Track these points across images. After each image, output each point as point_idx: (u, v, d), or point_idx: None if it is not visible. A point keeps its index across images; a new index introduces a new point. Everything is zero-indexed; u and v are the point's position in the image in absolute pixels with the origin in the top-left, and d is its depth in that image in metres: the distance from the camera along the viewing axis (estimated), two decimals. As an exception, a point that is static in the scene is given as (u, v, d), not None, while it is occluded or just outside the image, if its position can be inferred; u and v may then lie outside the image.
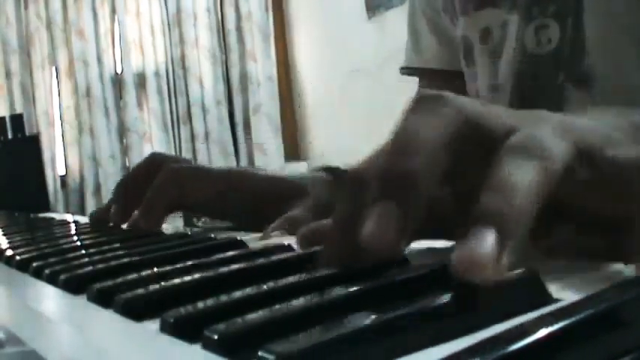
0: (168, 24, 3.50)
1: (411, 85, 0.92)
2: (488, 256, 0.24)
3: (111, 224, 0.65)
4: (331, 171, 0.67)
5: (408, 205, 0.27)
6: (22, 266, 0.45)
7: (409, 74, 0.87)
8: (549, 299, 0.25)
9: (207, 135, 3.51)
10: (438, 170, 0.29)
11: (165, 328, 0.26)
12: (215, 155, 3.50)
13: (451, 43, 0.78)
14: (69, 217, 0.94)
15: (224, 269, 0.34)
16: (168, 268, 0.37)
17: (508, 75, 0.65)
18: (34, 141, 3.08)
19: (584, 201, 0.31)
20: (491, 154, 0.28)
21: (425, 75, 0.86)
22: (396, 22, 2.76)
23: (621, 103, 0.58)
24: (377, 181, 0.29)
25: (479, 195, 0.26)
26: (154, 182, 0.59)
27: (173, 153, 3.46)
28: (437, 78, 0.84)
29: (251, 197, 0.60)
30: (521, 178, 0.27)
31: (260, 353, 0.20)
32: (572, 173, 0.29)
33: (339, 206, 0.32)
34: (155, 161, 0.63)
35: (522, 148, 0.28)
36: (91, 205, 3.29)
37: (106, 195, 3.25)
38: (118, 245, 0.51)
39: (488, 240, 0.24)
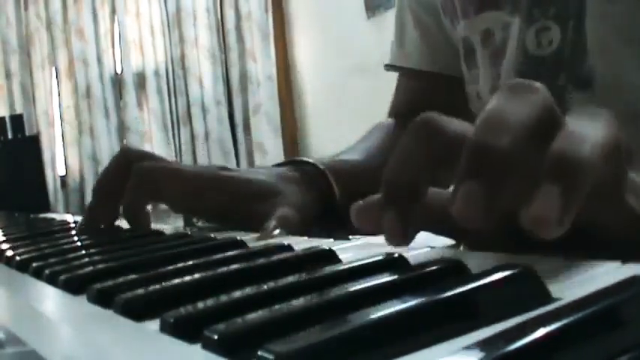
0: (168, 24, 3.51)
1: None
2: (553, 215, 0.26)
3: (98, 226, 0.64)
4: (299, 165, 0.66)
5: (496, 184, 0.28)
6: (22, 266, 0.45)
7: (393, 70, 0.88)
8: (549, 298, 0.25)
9: (207, 135, 3.51)
10: (525, 152, 0.29)
11: (166, 328, 0.26)
12: (215, 155, 3.50)
13: (437, 44, 0.78)
14: (69, 218, 0.94)
15: (224, 269, 0.34)
16: (168, 268, 0.37)
17: (509, 77, 0.66)
18: (34, 141, 3.08)
19: (614, 220, 0.33)
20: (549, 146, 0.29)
21: (406, 74, 0.87)
22: (396, 21, 2.76)
23: (621, 104, 0.58)
24: (466, 154, 0.29)
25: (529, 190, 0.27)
26: (127, 185, 0.58)
27: (173, 153, 3.46)
28: (418, 78, 0.84)
29: (222, 197, 0.59)
30: (591, 131, 0.29)
31: (259, 353, 0.20)
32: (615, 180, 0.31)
33: (409, 145, 0.33)
34: (127, 157, 0.62)
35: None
36: (91, 205, 3.29)
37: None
38: (117, 245, 0.51)
39: (553, 198, 0.26)
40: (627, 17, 0.58)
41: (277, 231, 0.52)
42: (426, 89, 0.84)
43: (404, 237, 0.33)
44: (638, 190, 0.33)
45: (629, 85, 0.58)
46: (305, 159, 0.67)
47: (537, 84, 0.32)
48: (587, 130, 0.29)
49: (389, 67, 0.88)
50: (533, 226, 0.26)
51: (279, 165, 0.68)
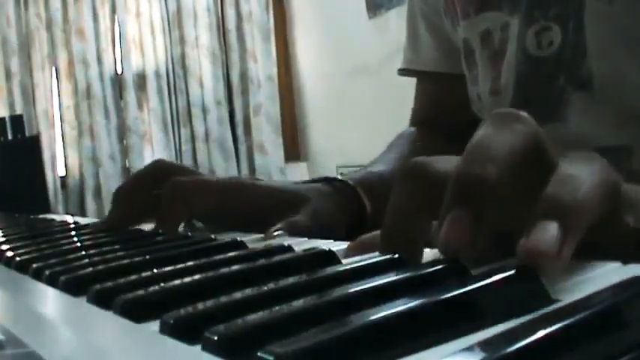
0: (169, 24, 3.51)
1: (411, 86, 0.92)
2: (552, 248, 0.26)
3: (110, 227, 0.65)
4: (331, 182, 0.67)
5: (481, 212, 0.28)
6: (22, 267, 0.45)
7: (407, 75, 0.88)
8: (548, 300, 0.25)
9: (207, 135, 3.51)
10: (511, 182, 0.29)
11: (165, 330, 0.26)
12: (215, 155, 3.50)
13: (449, 45, 0.78)
14: (69, 218, 0.94)
15: (224, 270, 0.34)
16: (168, 269, 0.37)
17: (509, 77, 0.66)
18: (34, 142, 3.08)
19: (616, 244, 0.33)
20: (543, 183, 0.29)
21: (423, 77, 0.87)
22: (397, 21, 2.76)
23: (621, 104, 0.58)
24: (452, 184, 0.29)
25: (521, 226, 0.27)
26: (162, 199, 0.59)
27: (173, 153, 3.46)
28: (435, 80, 0.85)
29: (251, 208, 0.60)
30: (587, 174, 0.29)
31: (260, 354, 0.20)
32: (615, 215, 0.31)
33: (395, 198, 0.33)
34: (161, 169, 0.63)
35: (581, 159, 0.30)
36: (91, 206, 3.29)
37: (107, 196, 3.25)
38: (117, 246, 0.51)
39: (551, 232, 0.26)
40: (627, 17, 0.58)
41: (278, 232, 0.52)
42: (445, 90, 0.84)
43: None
44: (636, 205, 0.33)
45: (629, 85, 0.58)
46: (334, 177, 0.68)
47: (524, 113, 0.32)
48: (583, 170, 0.29)
49: (403, 72, 0.88)
50: (530, 258, 0.26)
51: (310, 182, 0.69)
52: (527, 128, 0.31)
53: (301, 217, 0.57)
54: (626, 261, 0.28)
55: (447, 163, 0.32)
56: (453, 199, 0.29)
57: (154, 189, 0.61)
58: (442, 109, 0.85)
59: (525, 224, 0.27)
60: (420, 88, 0.89)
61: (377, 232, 0.35)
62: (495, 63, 0.67)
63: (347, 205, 0.64)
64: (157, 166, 0.65)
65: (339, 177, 0.67)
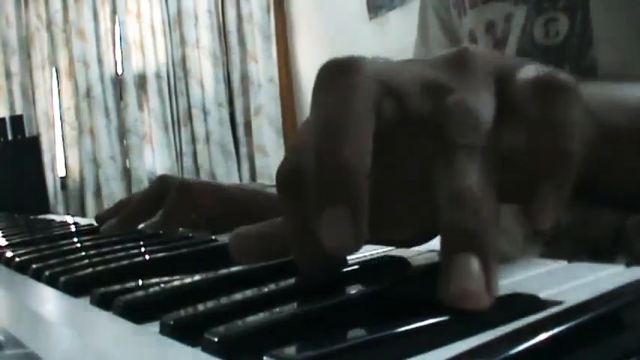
0: (169, 25, 3.51)
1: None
2: (478, 286, 0.23)
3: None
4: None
5: (353, 199, 0.25)
6: (22, 268, 0.45)
7: None
8: (549, 303, 0.25)
9: (207, 136, 3.51)
10: (369, 149, 0.26)
11: (166, 331, 0.26)
12: (216, 157, 3.50)
13: (459, 40, 0.79)
14: (69, 219, 0.94)
15: (224, 271, 0.34)
16: (168, 270, 0.37)
17: None
18: (34, 142, 3.08)
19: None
20: (424, 126, 0.26)
21: None
22: (398, 23, 2.76)
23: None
24: (312, 185, 0.26)
25: (424, 183, 0.25)
26: (168, 196, 0.60)
27: (174, 155, 3.46)
28: None
29: (260, 216, 0.61)
30: (477, 181, 0.25)
31: (265, 359, 0.20)
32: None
33: (285, 219, 0.31)
34: (166, 183, 0.64)
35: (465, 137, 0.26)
36: (91, 207, 3.29)
37: (107, 196, 3.25)
38: (118, 247, 0.51)
39: (470, 267, 0.24)
40: (632, 7, 0.58)
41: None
42: None
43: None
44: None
45: (633, 75, 0.59)
46: None
47: (354, 57, 0.28)
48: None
49: None
50: (459, 302, 0.23)
51: None
52: (365, 78, 0.27)
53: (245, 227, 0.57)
54: (629, 264, 0.28)
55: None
56: (318, 199, 0.26)
57: (159, 206, 0.62)
58: None
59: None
60: None
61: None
62: (498, 51, 0.68)
63: None
64: (161, 184, 0.65)
65: None
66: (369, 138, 0.26)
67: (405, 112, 0.27)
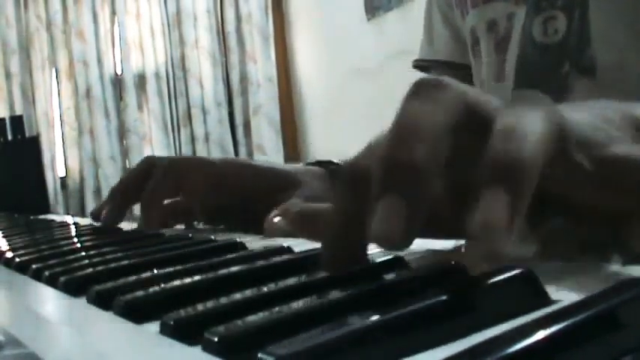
0: (168, 25, 3.51)
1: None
2: (501, 220, 0.24)
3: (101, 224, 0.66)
4: (325, 165, 0.67)
5: (415, 197, 0.26)
6: (22, 268, 0.45)
7: (421, 69, 0.88)
8: (548, 300, 0.25)
9: (207, 136, 3.51)
10: (442, 159, 0.27)
11: (166, 331, 0.26)
12: (215, 156, 3.50)
13: (462, 38, 0.79)
14: (69, 219, 0.94)
15: (224, 271, 0.34)
16: (168, 269, 0.37)
17: (514, 64, 0.67)
18: (34, 142, 3.08)
19: (579, 192, 0.31)
20: (486, 143, 0.27)
21: (437, 67, 0.87)
22: (395, 23, 2.76)
23: (623, 91, 0.59)
24: (379, 172, 0.27)
25: (474, 189, 0.25)
26: (153, 174, 0.59)
27: (173, 154, 3.46)
28: (448, 70, 0.85)
29: (247, 188, 0.61)
30: (528, 124, 0.27)
31: (260, 355, 0.20)
32: (565, 159, 0.29)
33: (338, 204, 0.31)
34: (150, 163, 0.64)
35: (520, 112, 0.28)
36: (91, 207, 3.29)
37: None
38: (118, 247, 0.51)
39: (498, 201, 0.24)
40: (630, 5, 0.59)
41: (278, 219, 0.52)
42: (459, 80, 0.84)
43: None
44: (592, 140, 0.31)
45: (631, 72, 0.59)
46: (328, 160, 0.68)
47: (445, 79, 0.30)
48: (523, 121, 0.27)
49: (418, 63, 0.88)
50: (481, 234, 0.24)
51: (306, 165, 0.69)
52: (451, 94, 0.29)
53: (294, 201, 0.57)
54: (625, 262, 0.28)
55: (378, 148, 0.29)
56: (381, 187, 0.27)
57: (146, 183, 0.61)
58: None
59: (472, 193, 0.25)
60: None
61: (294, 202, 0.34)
62: (500, 50, 0.69)
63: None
64: (147, 161, 0.65)
65: (335, 161, 0.68)
66: (444, 149, 0.28)
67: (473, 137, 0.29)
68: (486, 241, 0.24)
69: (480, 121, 0.29)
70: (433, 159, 0.27)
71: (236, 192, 0.61)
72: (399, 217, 0.26)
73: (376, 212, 0.26)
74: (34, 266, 0.43)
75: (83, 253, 0.49)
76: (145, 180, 0.62)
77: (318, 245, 0.42)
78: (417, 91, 0.30)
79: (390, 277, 0.29)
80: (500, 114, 0.29)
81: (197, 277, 0.33)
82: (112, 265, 0.42)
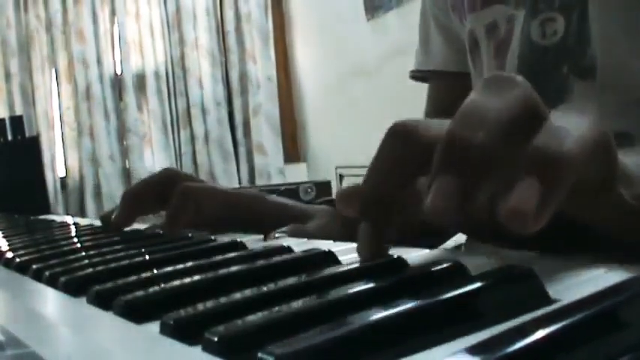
0: (168, 25, 3.50)
1: (410, 87, 0.92)
2: (529, 208, 0.25)
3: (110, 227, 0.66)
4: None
5: (472, 179, 0.27)
6: (22, 268, 0.45)
7: (418, 78, 0.88)
8: (548, 300, 0.25)
9: (206, 136, 3.51)
10: (503, 145, 0.28)
11: (166, 331, 0.26)
12: (215, 156, 3.50)
13: (459, 46, 0.79)
14: (69, 219, 0.94)
15: (224, 271, 0.34)
16: (168, 269, 0.37)
17: (513, 66, 0.67)
18: (34, 142, 3.07)
19: (609, 220, 0.33)
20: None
21: (434, 77, 0.87)
22: (395, 23, 2.76)
23: (622, 92, 0.59)
24: (442, 147, 0.28)
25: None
26: (173, 198, 0.61)
27: (173, 154, 3.46)
28: (445, 79, 0.85)
29: (259, 221, 0.62)
30: (576, 126, 0.28)
31: (260, 355, 0.20)
32: (609, 188, 0.31)
33: (385, 159, 0.32)
34: (169, 177, 0.65)
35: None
36: (90, 207, 3.29)
37: (106, 196, 3.25)
38: (118, 247, 0.51)
39: (531, 189, 0.25)
40: (629, 6, 0.58)
41: (280, 234, 0.53)
42: (454, 89, 0.84)
43: (374, 251, 0.34)
44: (634, 181, 0.33)
45: (630, 74, 0.59)
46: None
47: (519, 77, 0.31)
48: (572, 125, 0.29)
49: (415, 74, 0.88)
50: (509, 219, 0.25)
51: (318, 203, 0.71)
52: (519, 91, 0.30)
53: (303, 226, 0.59)
54: (625, 262, 0.28)
55: (440, 126, 0.31)
56: (442, 164, 0.28)
57: (161, 195, 0.63)
58: (454, 110, 0.85)
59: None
60: (431, 89, 0.89)
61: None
62: (500, 53, 0.68)
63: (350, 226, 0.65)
64: (166, 173, 0.67)
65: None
66: (507, 139, 0.28)
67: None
68: (511, 227, 0.25)
69: (537, 119, 0.30)
70: (494, 144, 0.28)
71: (247, 223, 0.63)
72: (452, 196, 0.27)
73: (432, 188, 0.28)
74: (34, 266, 0.43)
75: (83, 254, 0.49)
76: (160, 192, 0.63)
77: (318, 245, 0.42)
78: (489, 83, 0.31)
79: (389, 276, 0.29)
80: (554, 115, 0.30)
81: (197, 277, 0.33)
82: (112, 265, 0.42)
